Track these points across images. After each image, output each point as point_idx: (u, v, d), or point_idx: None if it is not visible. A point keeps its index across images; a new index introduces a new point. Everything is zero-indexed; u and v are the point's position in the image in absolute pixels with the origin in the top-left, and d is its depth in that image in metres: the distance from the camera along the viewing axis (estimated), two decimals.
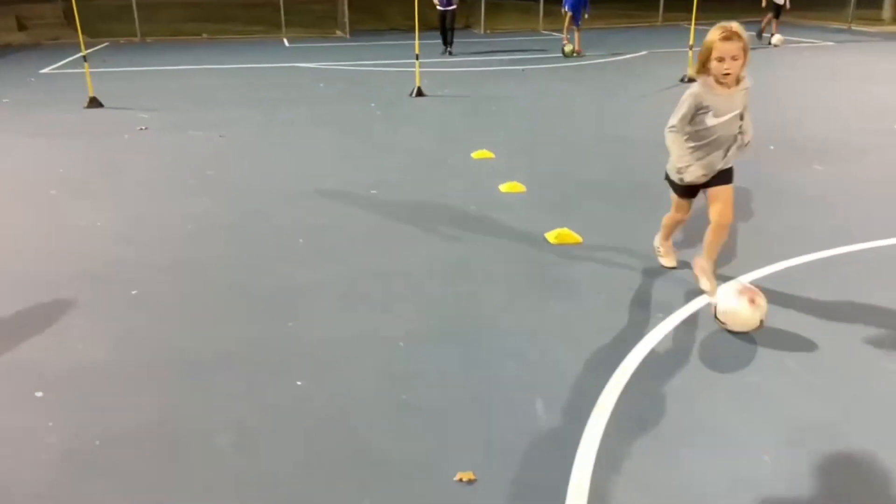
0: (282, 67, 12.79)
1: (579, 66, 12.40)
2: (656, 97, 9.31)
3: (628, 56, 13.58)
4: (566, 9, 13.19)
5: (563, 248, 4.48)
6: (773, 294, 3.71)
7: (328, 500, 2.41)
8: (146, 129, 7.80)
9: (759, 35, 14.44)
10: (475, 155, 6.63)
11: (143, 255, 4.46)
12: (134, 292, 3.95)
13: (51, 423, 2.81)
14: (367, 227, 4.90)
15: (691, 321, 3.56)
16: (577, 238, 4.59)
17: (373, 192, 5.64)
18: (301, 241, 4.68)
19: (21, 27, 17.94)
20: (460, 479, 2.46)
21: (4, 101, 9.59)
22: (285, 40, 17.23)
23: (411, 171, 6.27)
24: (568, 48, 13.32)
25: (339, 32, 18.50)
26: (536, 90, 10.20)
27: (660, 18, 19.96)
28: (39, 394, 3.00)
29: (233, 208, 5.33)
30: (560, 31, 14.21)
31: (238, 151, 6.93)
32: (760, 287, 3.54)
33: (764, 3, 14.36)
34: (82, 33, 9.28)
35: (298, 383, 3.09)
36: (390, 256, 4.42)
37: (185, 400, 2.98)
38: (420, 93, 9.64)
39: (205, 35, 18.06)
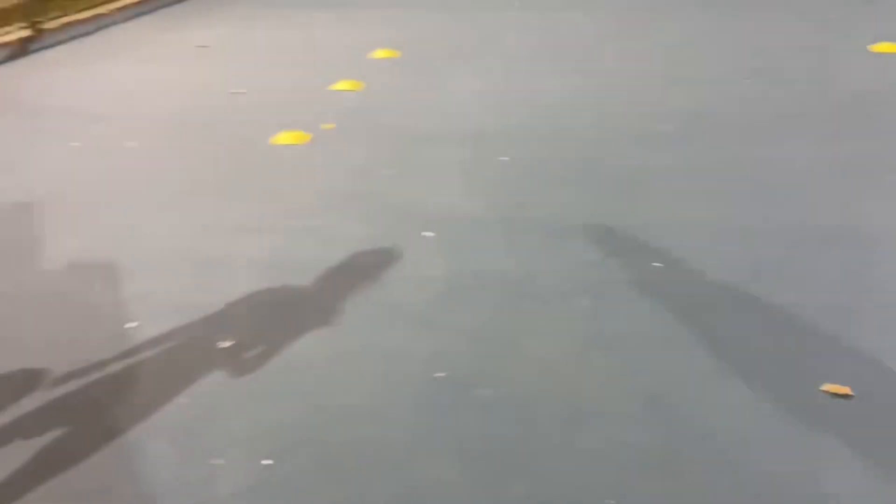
0: None
1: None
2: None
3: None
4: None
5: None
6: None
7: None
8: (520, 6, 8.10)
9: None
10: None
11: (512, 123, 4.79)
12: (504, 158, 4.30)
13: (437, 260, 3.28)
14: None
15: None
16: None
17: (746, 80, 5.24)
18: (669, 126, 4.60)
19: None
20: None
21: None
22: None
23: (786, 59, 5.63)
24: None
25: None
26: None
27: None
28: (429, 233, 3.50)
29: (600, 87, 5.39)
30: None
31: (611, 34, 6.89)
32: None
33: None
34: None
35: (655, 264, 3.14)
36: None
37: (542, 261, 3.23)
38: None
39: None
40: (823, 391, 2.33)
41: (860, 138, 4.29)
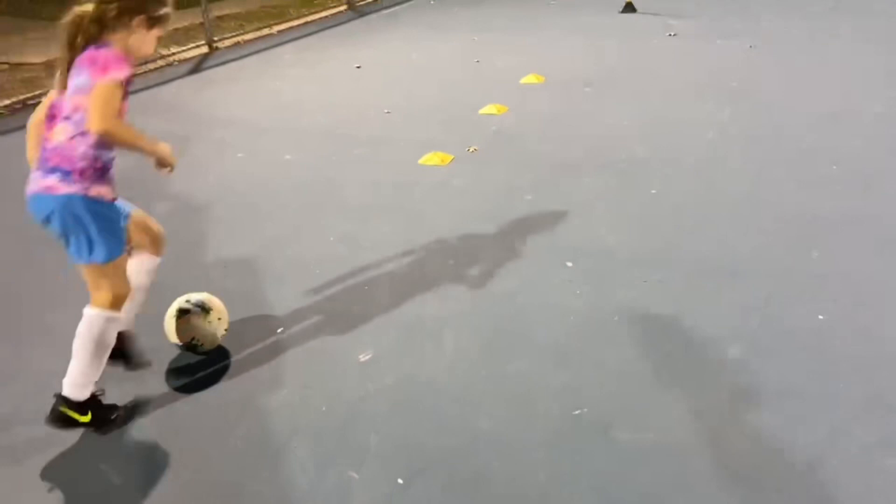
0: None
1: None
2: None
3: None
4: None
5: None
6: None
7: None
8: (675, 35, 7.85)
9: None
10: None
11: (663, 156, 4.62)
12: (653, 191, 4.14)
13: (578, 292, 3.19)
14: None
15: None
16: None
17: None
18: (834, 167, 4.25)
19: None
20: None
21: (552, 3, 10.69)
22: None
23: None
24: None
25: None
26: None
27: None
28: (570, 264, 3.42)
29: (755, 122, 5.10)
30: None
31: (769, 64, 6.53)
32: None
33: None
34: None
35: (820, 317, 2.89)
36: None
37: (691, 301, 3.06)
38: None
39: None
40: None
41: None
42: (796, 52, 6.92)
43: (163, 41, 2.75)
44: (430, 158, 4.79)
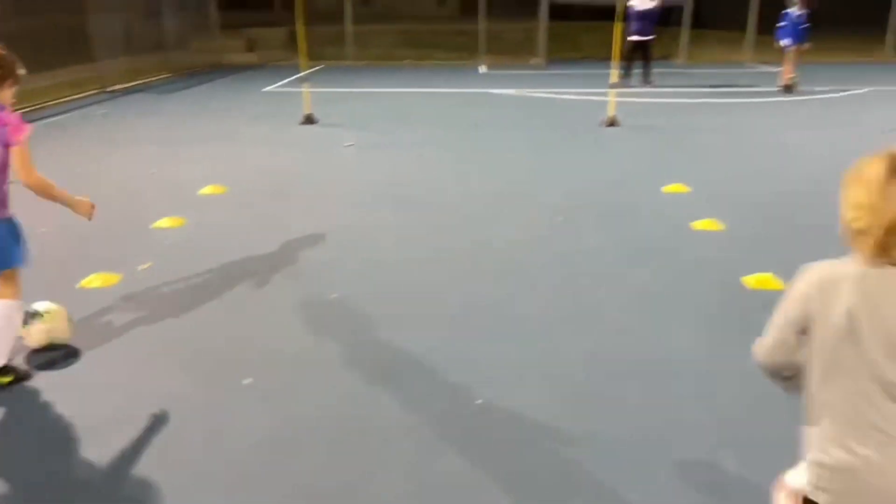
0: (476, 93, 13.21)
1: (794, 102, 11.58)
2: (879, 140, 8.45)
3: (848, 93, 12.47)
4: (785, 41, 12.35)
5: (761, 294, 4.18)
6: None
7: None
8: (352, 145, 8.39)
9: None
10: (667, 189, 6.41)
11: (345, 259, 4.81)
12: (334, 295, 4.26)
13: (259, 407, 3.10)
14: (551, 256, 4.91)
15: None
16: (781, 285, 4.27)
17: (559, 219, 5.64)
18: (489, 263, 4.80)
19: (250, 48, 20.09)
20: None
21: (234, 113, 10.80)
22: (482, 67, 17.79)
23: (597, 201, 6.19)
24: (786, 80, 12.38)
25: (534, 60, 18.77)
26: (744, 124, 9.68)
27: (887, 53, 18.15)
28: (248, 381, 3.33)
29: (421, 222, 5.59)
30: (772, 62, 13.37)
31: (436, 170, 7.26)
32: None
33: None
34: (305, 56, 10.18)
35: (478, 401, 3.16)
36: (571, 285, 4.39)
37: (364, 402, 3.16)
38: (613, 122, 9.51)
39: (408, 61, 19.15)
40: None
41: None
42: (450, 159, 7.81)
43: None
44: (92, 280, 4.38)
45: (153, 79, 14.87)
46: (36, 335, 3.47)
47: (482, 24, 18.65)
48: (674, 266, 4.65)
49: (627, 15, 12.79)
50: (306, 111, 9.79)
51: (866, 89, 12.83)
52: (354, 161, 7.73)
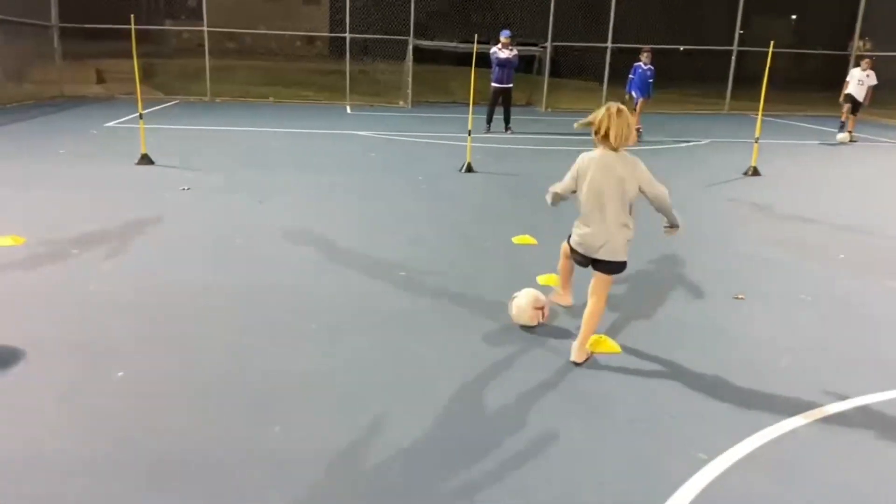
0: (339, 134, 12.83)
1: (636, 151, 12.03)
2: (718, 189, 8.82)
3: (689, 143, 13.16)
4: (633, 93, 12.97)
5: (597, 357, 3.99)
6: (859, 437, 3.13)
7: None
8: (188, 189, 7.72)
9: (841, 129, 13.74)
10: (517, 240, 6.25)
11: (138, 328, 4.18)
12: (120, 374, 3.64)
13: None
14: (388, 314, 4.53)
15: (744, 467, 3.01)
16: (615, 347, 4.10)
17: (401, 273, 5.30)
18: (314, 325, 4.34)
19: (100, 80, 18.77)
20: None
21: (61, 151, 9.77)
22: (348, 107, 17.48)
23: (446, 252, 5.92)
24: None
25: (401, 103, 18.70)
26: None
27: (726, 106, 19.56)
28: None
29: (247, 280, 5.04)
30: None
31: (272, 218, 6.72)
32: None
33: (841, 98, 13.81)
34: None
35: None
36: (406, 348, 4.03)
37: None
38: (470, 168, 9.40)
39: (271, 98, 18.53)
40: None
41: None
42: (297, 206, 7.32)
43: None
44: None
45: None
46: None
47: (350, 65, 18.41)
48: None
49: (489, 62, 12.96)
50: (143, 150, 9.00)
51: (707, 140, 13.63)
52: (185, 206, 7.05)
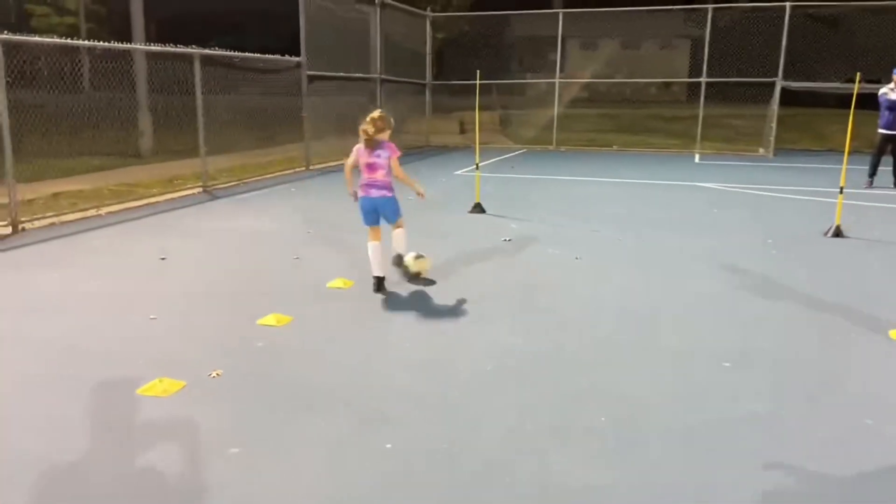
0: (681, 186, 11.84)
1: None
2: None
3: None
4: None
5: None
6: None
7: None
8: (510, 240, 7.60)
9: None
10: (895, 333, 4.74)
11: (423, 394, 3.94)
12: (389, 446, 3.40)
13: None
14: (705, 417, 3.62)
15: None
16: None
17: (726, 364, 4.30)
18: (603, 418, 3.64)
19: (462, 131, 20.46)
20: None
21: (409, 198, 10.56)
22: (697, 156, 16.25)
23: (791, 343, 4.70)
24: None
25: (761, 150, 16.80)
26: None
27: None
28: None
29: (545, 344, 4.54)
30: None
31: (586, 278, 6.18)
32: None
33: None
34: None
35: None
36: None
37: None
38: (839, 232, 7.72)
39: (615, 146, 18.16)
40: None
41: None
42: (617, 264, 6.65)
43: None
44: (152, 387, 3.97)
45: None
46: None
47: (703, 110, 17.15)
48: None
49: (878, 104, 10.83)
50: (476, 199, 9.24)
51: None
52: (505, 253, 6.89)
